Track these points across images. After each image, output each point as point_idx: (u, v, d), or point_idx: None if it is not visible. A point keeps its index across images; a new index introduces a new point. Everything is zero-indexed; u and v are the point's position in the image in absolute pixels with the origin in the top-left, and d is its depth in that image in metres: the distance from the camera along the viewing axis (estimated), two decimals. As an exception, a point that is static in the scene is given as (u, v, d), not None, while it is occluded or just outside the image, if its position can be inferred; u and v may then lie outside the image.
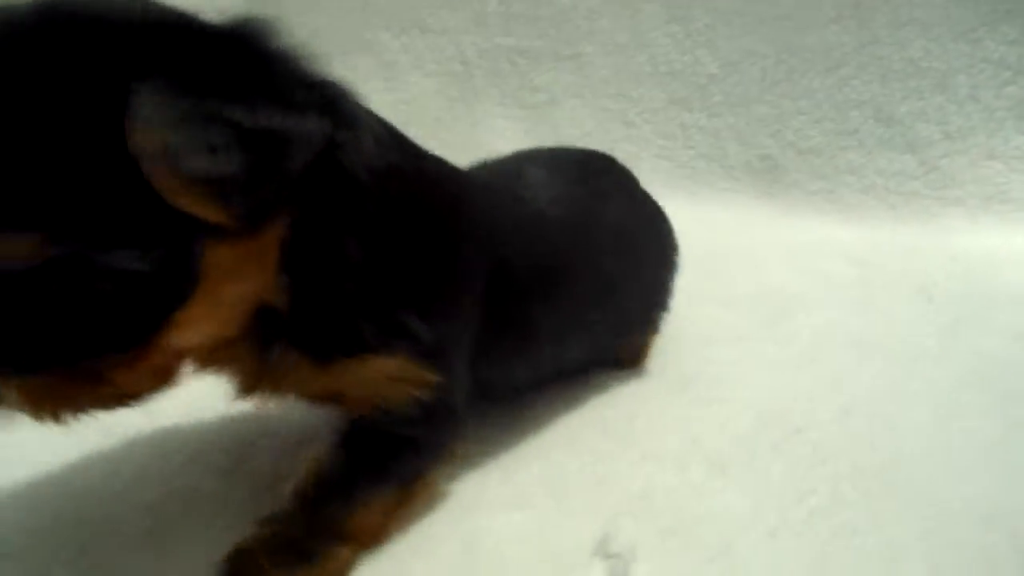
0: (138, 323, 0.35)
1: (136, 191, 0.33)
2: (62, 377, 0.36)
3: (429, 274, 0.49)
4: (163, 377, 0.40)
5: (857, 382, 0.76)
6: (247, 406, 0.51)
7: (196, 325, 0.37)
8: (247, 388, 0.48)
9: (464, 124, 1.37)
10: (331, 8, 1.38)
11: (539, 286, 0.58)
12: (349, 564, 0.49)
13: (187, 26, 0.37)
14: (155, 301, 0.35)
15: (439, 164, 0.54)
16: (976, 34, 1.27)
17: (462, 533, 0.53)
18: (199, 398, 0.54)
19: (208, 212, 0.34)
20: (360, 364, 0.46)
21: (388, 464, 0.50)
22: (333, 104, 0.39)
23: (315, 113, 0.37)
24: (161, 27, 0.36)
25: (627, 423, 0.68)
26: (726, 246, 1.16)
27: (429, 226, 0.49)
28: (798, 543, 0.53)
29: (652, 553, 0.51)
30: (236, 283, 0.38)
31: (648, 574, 0.50)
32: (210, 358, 0.44)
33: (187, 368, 0.42)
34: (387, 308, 0.45)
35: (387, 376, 0.47)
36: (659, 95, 1.33)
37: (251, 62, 0.36)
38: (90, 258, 0.33)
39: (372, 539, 0.50)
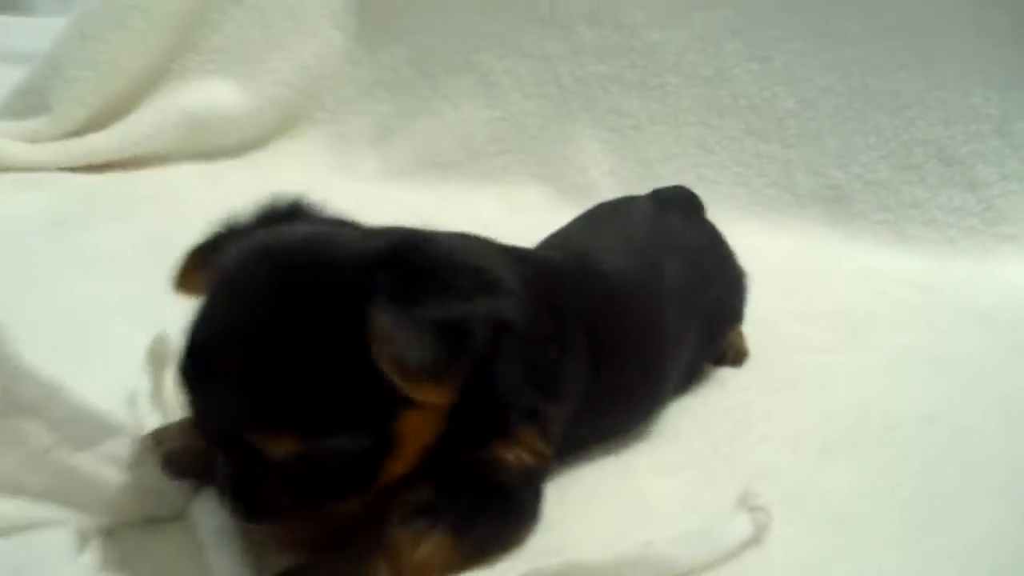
0: (359, 480, 0.48)
1: (351, 392, 0.44)
2: (306, 520, 0.49)
3: (551, 365, 0.58)
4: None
5: (934, 393, 0.86)
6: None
7: (395, 470, 0.50)
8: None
9: (557, 142, 1.49)
10: (440, 32, 1.50)
11: (617, 350, 0.66)
12: None
13: (388, 252, 0.47)
14: (369, 464, 0.48)
15: (548, 273, 0.64)
16: (1034, 86, 1.38)
17: (629, 492, 0.64)
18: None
19: (430, 395, 0.44)
20: (504, 442, 0.55)
21: (476, 515, 0.53)
22: (494, 286, 0.50)
23: (484, 298, 0.47)
24: (366, 257, 0.47)
25: (743, 412, 0.79)
26: (798, 269, 1.27)
27: (552, 334, 0.59)
28: (904, 515, 0.64)
29: (780, 514, 0.62)
30: (422, 437, 0.50)
31: (783, 529, 0.61)
32: None
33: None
34: (524, 397, 0.56)
35: (517, 444, 0.55)
36: (737, 125, 1.45)
37: (431, 269, 0.47)
38: (325, 446, 0.45)
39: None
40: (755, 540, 0.59)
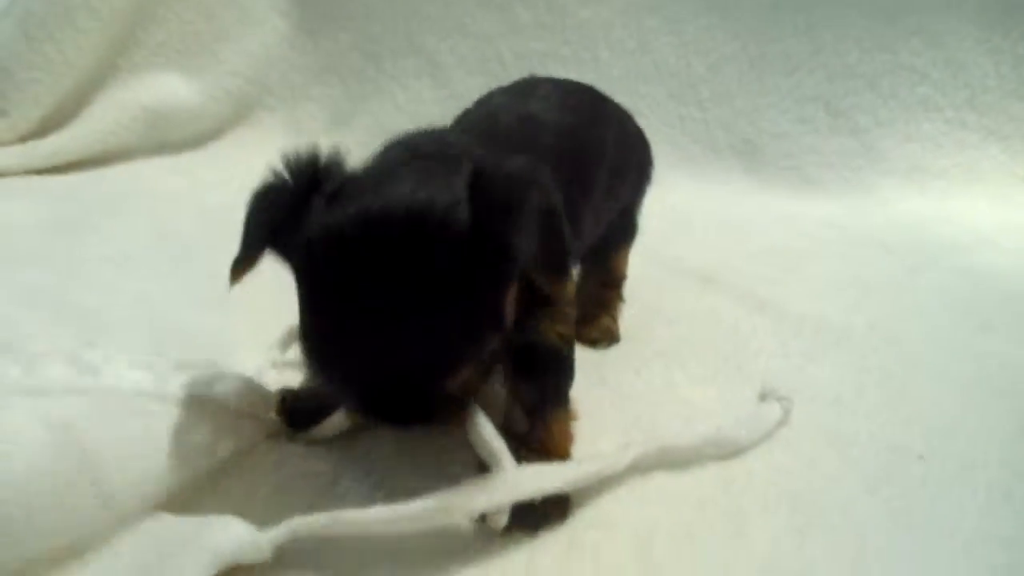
0: (492, 362, 0.58)
1: (483, 309, 0.51)
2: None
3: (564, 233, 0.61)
4: None
5: (870, 302, 1.09)
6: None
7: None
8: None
9: (503, 116, 1.62)
10: (384, 16, 1.58)
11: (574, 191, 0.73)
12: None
13: (476, 189, 0.51)
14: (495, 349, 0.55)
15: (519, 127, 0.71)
16: (895, 47, 1.65)
17: (679, 399, 0.82)
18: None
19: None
20: (552, 320, 0.62)
21: (560, 383, 0.65)
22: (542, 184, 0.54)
23: (545, 197, 0.53)
24: (478, 196, 0.50)
25: (733, 334, 0.98)
26: (728, 216, 1.48)
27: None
28: (878, 392, 0.85)
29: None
30: (513, 309, 0.56)
31: (797, 412, 0.79)
32: None
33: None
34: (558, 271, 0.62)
35: (557, 319, 0.62)
36: (661, 92, 1.63)
37: (515, 192, 0.50)
38: (484, 361, 0.54)
39: (564, 454, 0.63)
40: (783, 421, 0.78)
